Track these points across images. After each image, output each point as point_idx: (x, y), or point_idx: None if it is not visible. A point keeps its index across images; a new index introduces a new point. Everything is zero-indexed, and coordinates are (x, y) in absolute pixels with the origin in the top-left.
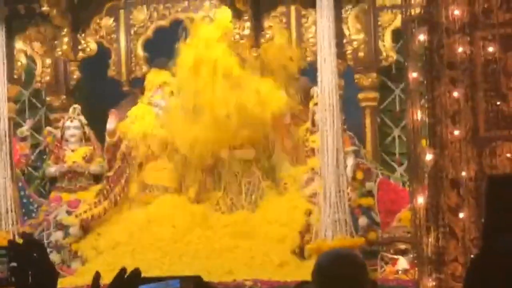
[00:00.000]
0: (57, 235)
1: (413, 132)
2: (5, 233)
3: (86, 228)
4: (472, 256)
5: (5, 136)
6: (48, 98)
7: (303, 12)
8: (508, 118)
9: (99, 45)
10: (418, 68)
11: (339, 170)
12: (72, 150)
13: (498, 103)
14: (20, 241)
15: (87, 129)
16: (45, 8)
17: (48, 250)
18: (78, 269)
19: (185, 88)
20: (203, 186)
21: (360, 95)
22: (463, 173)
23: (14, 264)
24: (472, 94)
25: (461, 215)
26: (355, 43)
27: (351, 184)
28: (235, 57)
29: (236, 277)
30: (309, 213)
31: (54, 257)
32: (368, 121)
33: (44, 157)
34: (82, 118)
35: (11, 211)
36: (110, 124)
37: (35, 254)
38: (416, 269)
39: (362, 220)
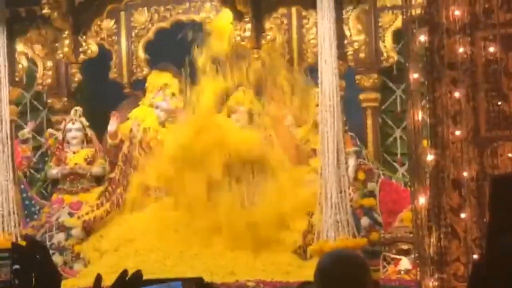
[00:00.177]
0: (59, 237)
1: (414, 132)
2: (7, 235)
3: (88, 230)
4: (474, 256)
5: (7, 138)
6: (49, 101)
7: (304, 14)
8: (509, 118)
9: (100, 47)
10: (419, 69)
11: (340, 171)
12: (74, 152)
13: (499, 103)
14: (23, 243)
15: (88, 131)
16: (46, 10)
17: (51, 252)
18: (81, 271)
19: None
20: (204, 186)
21: (361, 96)
22: (465, 173)
23: (17, 266)
24: (473, 94)
25: (462, 215)
26: (356, 44)
27: (352, 184)
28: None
29: (238, 278)
30: (311, 214)
31: (57, 259)
32: (369, 121)
33: (46, 159)
34: (83, 120)
35: (13, 213)
36: (112, 126)
37: (38, 257)
38: (418, 269)
39: (364, 221)
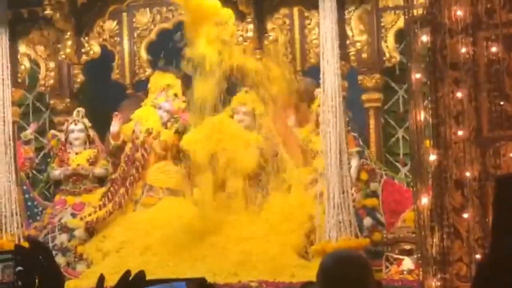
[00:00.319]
0: (62, 238)
1: (416, 132)
2: (10, 236)
3: (91, 231)
4: (477, 256)
5: (10, 139)
6: (52, 102)
7: (306, 14)
8: (511, 118)
9: (103, 48)
10: (421, 69)
11: (343, 171)
12: (77, 153)
13: (502, 103)
14: (25, 244)
15: (91, 132)
16: (48, 11)
17: (53, 253)
18: (83, 271)
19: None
20: (207, 188)
21: (364, 96)
22: (467, 174)
23: (20, 268)
24: (475, 94)
25: (465, 215)
26: (358, 45)
27: (355, 185)
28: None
29: (241, 278)
30: (313, 214)
31: (59, 260)
32: (372, 122)
33: (49, 160)
34: (86, 121)
35: (16, 214)
36: (114, 126)
37: (41, 258)
38: (421, 269)
39: (367, 221)
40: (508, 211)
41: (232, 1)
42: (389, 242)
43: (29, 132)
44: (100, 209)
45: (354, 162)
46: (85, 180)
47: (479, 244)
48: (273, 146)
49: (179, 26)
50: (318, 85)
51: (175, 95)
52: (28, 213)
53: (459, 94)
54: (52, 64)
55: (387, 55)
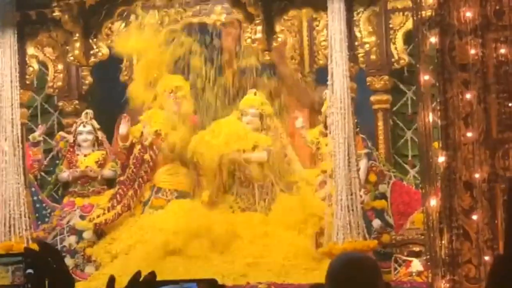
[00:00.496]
0: (71, 240)
1: (425, 134)
2: (18, 238)
3: (99, 233)
4: (486, 257)
5: (18, 141)
6: (60, 103)
7: (315, 16)
8: None
9: (111, 49)
10: (430, 71)
11: (351, 173)
12: (85, 155)
13: (511, 104)
14: (34, 246)
15: (99, 134)
16: (56, 13)
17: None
18: (92, 273)
19: None
20: (216, 190)
21: (373, 98)
22: (476, 175)
23: (30, 270)
24: (484, 96)
25: (474, 216)
26: (367, 46)
27: (364, 186)
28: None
29: (249, 280)
30: (322, 216)
31: (68, 261)
32: (380, 123)
33: (57, 162)
34: (94, 122)
35: (24, 216)
36: (123, 128)
37: (51, 261)
38: (430, 271)
39: (376, 223)
40: None
41: (241, 3)
42: (397, 243)
43: (38, 134)
44: (108, 211)
45: (363, 164)
46: (93, 182)
47: (488, 246)
48: (281, 148)
49: (187, 27)
50: (326, 87)
51: (184, 97)
52: (37, 215)
53: (468, 96)
54: (60, 66)
55: (396, 56)
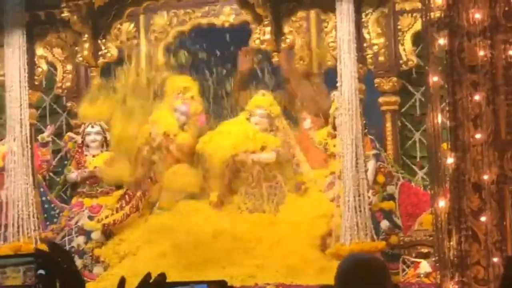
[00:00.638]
0: (79, 240)
1: (434, 136)
2: (27, 239)
3: (108, 233)
4: (494, 259)
5: (27, 142)
6: (68, 104)
7: (323, 17)
8: None
9: (120, 50)
10: (439, 72)
11: (359, 174)
12: (93, 156)
13: None
14: (46, 248)
15: (108, 135)
16: (65, 14)
17: None
18: (100, 274)
19: None
20: (224, 190)
21: (381, 99)
22: (485, 177)
23: (41, 271)
24: (493, 97)
25: (483, 218)
26: (375, 47)
27: (372, 187)
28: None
29: (258, 281)
30: (330, 217)
31: (76, 262)
32: (388, 125)
33: (66, 162)
34: (103, 123)
35: (33, 216)
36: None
37: (62, 262)
38: (438, 272)
39: (384, 224)
40: None
41: (250, 4)
42: (405, 245)
43: (46, 134)
44: (117, 211)
45: (371, 165)
46: (102, 182)
47: (496, 247)
48: (289, 149)
49: (196, 29)
50: (335, 88)
51: (192, 97)
52: (45, 215)
53: (476, 97)
54: (69, 67)
55: (404, 58)
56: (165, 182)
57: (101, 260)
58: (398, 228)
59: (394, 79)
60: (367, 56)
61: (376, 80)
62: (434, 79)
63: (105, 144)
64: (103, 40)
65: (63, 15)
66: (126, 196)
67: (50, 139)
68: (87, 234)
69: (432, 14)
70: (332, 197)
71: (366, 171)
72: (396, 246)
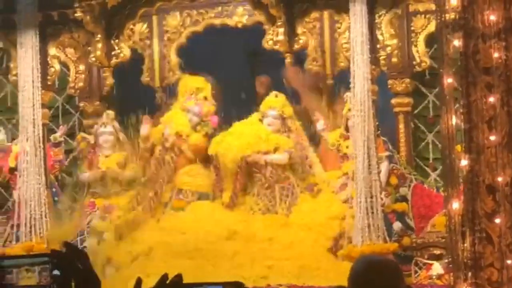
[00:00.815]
0: (91, 241)
1: (448, 137)
2: (39, 239)
3: (120, 234)
4: (508, 261)
5: (39, 142)
6: (81, 104)
7: (336, 18)
8: None
9: (133, 51)
10: (453, 74)
11: (372, 175)
12: (106, 156)
13: None
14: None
15: (120, 135)
16: (78, 14)
17: None
18: (112, 275)
19: None
20: (236, 191)
21: (394, 101)
22: (499, 179)
23: (56, 272)
24: (507, 99)
25: (497, 220)
26: (388, 49)
27: (385, 189)
28: None
29: (270, 282)
30: (343, 218)
31: None
32: (401, 126)
33: (78, 163)
34: (115, 123)
35: (45, 216)
36: (144, 129)
37: (77, 262)
38: (451, 274)
39: (396, 225)
40: None
41: (263, 5)
42: (418, 246)
43: (59, 134)
44: (129, 212)
45: (384, 167)
46: (114, 183)
47: (510, 249)
48: (302, 150)
49: (209, 29)
50: (348, 89)
51: (205, 98)
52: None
53: (491, 99)
54: (82, 67)
55: (417, 59)
56: (177, 183)
57: (113, 260)
58: (411, 229)
59: (407, 80)
60: (380, 58)
61: (389, 82)
62: (448, 80)
63: (117, 144)
64: (116, 40)
65: (76, 15)
66: (138, 197)
67: (62, 139)
68: (99, 234)
69: (446, 15)
70: (345, 198)
71: (379, 172)
72: (408, 248)
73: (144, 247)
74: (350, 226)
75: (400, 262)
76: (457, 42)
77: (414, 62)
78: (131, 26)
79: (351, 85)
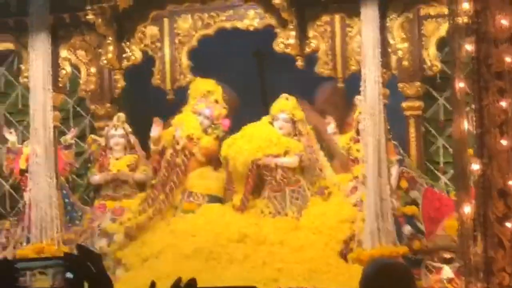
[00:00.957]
0: (101, 243)
1: (459, 142)
2: (50, 241)
3: (130, 236)
4: None
5: (50, 144)
6: (92, 107)
7: (348, 22)
8: None
9: (144, 53)
10: (465, 78)
11: (382, 179)
12: (117, 158)
13: None
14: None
15: (131, 137)
16: (90, 16)
17: None
18: (122, 276)
19: None
20: (247, 194)
21: (405, 104)
22: (511, 183)
23: (70, 274)
24: None
25: (508, 224)
26: (399, 52)
27: (395, 193)
28: None
29: (280, 284)
30: (353, 221)
31: None
32: (412, 130)
33: (89, 165)
34: (126, 126)
35: (56, 218)
36: (154, 132)
37: (91, 265)
38: (462, 278)
39: (406, 229)
40: None
41: (275, 9)
42: (428, 250)
43: (69, 137)
44: (139, 214)
45: (394, 170)
46: (125, 185)
47: None
48: (312, 153)
49: (220, 32)
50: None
51: (216, 101)
52: (68, 217)
53: (503, 104)
54: (93, 69)
55: (428, 63)
56: (188, 185)
57: (123, 262)
58: (421, 233)
59: (418, 84)
60: (391, 61)
61: (400, 85)
62: (460, 85)
63: (128, 147)
64: (127, 43)
65: (87, 17)
66: (149, 199)
67: (73, 141)
68: (109, 236)
69: (458, 19)
70: (355, 201)
71: (389, 176)
72: (418, 252)
73: (154, 249)
74: (360, 229)
75: (410, 266)
76: (469, 47)
77: (425, 66)
78: (143, 29)
79: (362, 89)
